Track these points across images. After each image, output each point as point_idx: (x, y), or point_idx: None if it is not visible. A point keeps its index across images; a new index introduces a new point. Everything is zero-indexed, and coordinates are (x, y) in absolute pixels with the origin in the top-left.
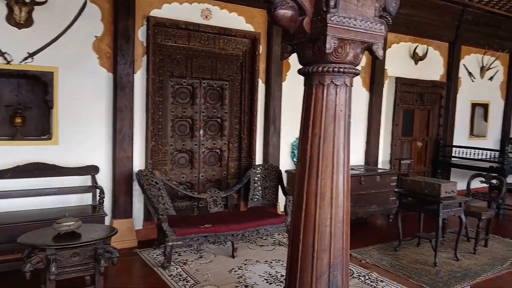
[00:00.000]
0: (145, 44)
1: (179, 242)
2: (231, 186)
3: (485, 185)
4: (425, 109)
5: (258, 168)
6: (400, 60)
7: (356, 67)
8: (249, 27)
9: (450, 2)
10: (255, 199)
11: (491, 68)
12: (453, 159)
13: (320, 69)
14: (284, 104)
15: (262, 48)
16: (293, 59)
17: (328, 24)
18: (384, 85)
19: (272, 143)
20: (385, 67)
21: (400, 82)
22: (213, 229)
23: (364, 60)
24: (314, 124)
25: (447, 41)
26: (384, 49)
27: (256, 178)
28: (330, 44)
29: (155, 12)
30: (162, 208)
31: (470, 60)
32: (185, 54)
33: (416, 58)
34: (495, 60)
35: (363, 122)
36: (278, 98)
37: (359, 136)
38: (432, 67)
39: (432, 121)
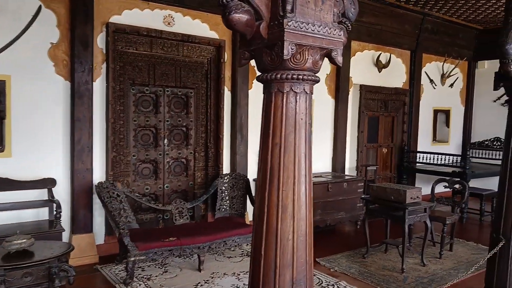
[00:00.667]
0: (104, 51)
1: (142, 257)
2: (197, 196)
3: (448, 189)
4: (389, 115)
5: (226, 178)
6: (364, 68)
7: (316, 74)
8: (213, 34)
9: (410, 11)
10: (223, 209)
11: (451, 76)
12: (417, 164)
13: (279, 76)
14: (251, 112)
15: (227, 56)
16: None
17: (285, 30)
18: (349, 92)
19: (240, 152)
20: (350, 75)
21: (365, 90)
22: (178, 242)
23: (329, 68)
24: (274, 133)
25: (409, 49)
26: (349, 57)
27: (224, 188)
28: (288, 50)
29: (115, 19)
30: (124, 221)
31: (431, 68)
32: (147, 61)
33: (380, 65)
34: (454, 68)
35: (329, 129)
36: (245, 106)
37: (326, 143)
38: (395, 75)
39: (396, 127)
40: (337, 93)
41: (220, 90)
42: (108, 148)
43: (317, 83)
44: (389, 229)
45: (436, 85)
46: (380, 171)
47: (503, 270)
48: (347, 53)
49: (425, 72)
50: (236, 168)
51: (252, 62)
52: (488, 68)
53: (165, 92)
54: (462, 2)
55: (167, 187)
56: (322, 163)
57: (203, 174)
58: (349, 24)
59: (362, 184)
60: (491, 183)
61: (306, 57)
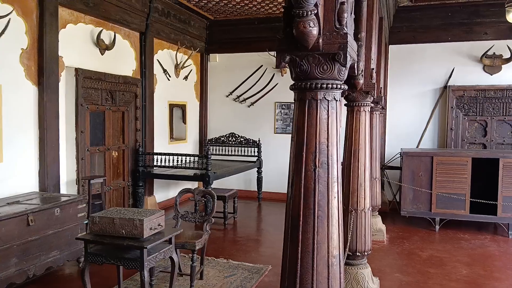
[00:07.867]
0: None
1: None
2: None
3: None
4: (118, 110)
5: None
6: (81, 47)
7: None
8: None
9: None
10: None
11: (185, 67)
12: (155, 168)
13: None
14: None
15: None
16: None
17: None
18: (60, 78)
19: None
20: (60, 54)
21: (83, 75)
22: None
23: (25, 40)
24: None
25: (138, 30)
26: (56, 28)
27: None
28: None
29: None
30: None
31: (164, 56)
32: None
33: (102, 46)
34: (188, 59)
35: (32, 130)
36: None
37: (27, 150)
38: (123, 60)
39: (128, 125)
40: (41, 78)
41: None
42: None
43: None
44: (122, 270)
45: (170, 77)
46: (110, 182)
47: None
48: (54, 23)
49: (158, 60)
50: None
51: None
52: (219, 61)
53: None
54: None
55: None
56: (23, 180)
57: None
58: None
59: (85, 205)
60: (229, 182)
61: None
